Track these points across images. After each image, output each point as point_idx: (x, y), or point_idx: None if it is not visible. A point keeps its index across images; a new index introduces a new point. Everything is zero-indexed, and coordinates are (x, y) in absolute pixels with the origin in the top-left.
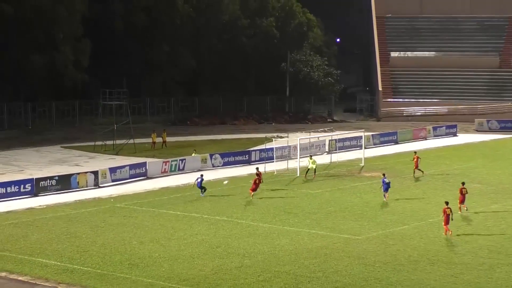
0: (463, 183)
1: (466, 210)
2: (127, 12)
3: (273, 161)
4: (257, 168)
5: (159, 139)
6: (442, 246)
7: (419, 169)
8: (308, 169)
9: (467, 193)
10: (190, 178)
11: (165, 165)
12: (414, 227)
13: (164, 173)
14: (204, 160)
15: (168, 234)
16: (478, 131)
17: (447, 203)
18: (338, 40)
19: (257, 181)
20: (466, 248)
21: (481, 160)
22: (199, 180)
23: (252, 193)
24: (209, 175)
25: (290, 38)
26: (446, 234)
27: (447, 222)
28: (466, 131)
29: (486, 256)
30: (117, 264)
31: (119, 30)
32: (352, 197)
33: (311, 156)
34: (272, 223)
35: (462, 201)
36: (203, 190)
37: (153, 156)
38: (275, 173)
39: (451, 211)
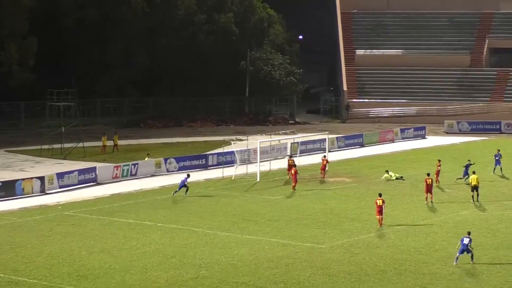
0: (439, 160)
1: (432, 202)
2: (77, 8)
3: (234, 165)
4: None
5: (110, 143)
6: (410, 255)
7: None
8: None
9: (434, 182)
10: (142, 184)
11: (117, 170)
12: (380, 235)
13: (115, 179)
14: (158, 165)
15: (120, 244)
16: (447, 133)
17: (428, 174)
18: (300, 37)
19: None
20: (435, 256)
21: (451, 164)
22: (183, 179)
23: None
24: (163, 181)
25: (249, 35)
26: (426, 200)
27: (428, 190)
28: (435, 133)
29: (456, 265)
30: (65, 276)
31: (69, 27)
32: (315, 203)
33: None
34: (230, 231)
35: (428, 190)
36: (186, 190)
37: (104, 161)
38: (233, 178)
39: (432, 182)
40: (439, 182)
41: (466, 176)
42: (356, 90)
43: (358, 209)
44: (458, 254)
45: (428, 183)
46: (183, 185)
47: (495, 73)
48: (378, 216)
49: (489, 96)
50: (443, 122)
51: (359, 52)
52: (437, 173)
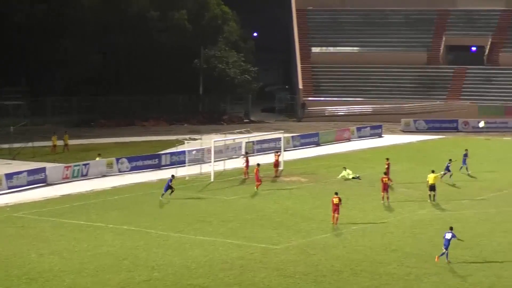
0: (387, 159)
1: (388, 200)
2: (28, 4)
3: (185, 165)
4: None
5: (60, 142)
6: (366, 255)
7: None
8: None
9: (389, 181)
10: (94, 185)
11: (67, 170)
12: (337, 235)
13: (65, 179)
14: (109, 165)
15: (70, 246)
16: (404, 131)
17: (385, 173)
18: (255, 34)
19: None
20: (391, 257)
21: (407, 163)
22: (168, 181)
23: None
24: (115, 181)
25: (203, 32)
26: (383, 200)
27: (385, 189)
28: (392, 131)
29: (413, 265)
30: (14, 279)
31: (19, 23)
32: (271, 203)
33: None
34: (184, 233)
35: (384, 189)
36: (170, 192)
37: (54, 161)
38: (187, 178)
39: (389, 180)
40: (391, 181)
41: (450, 173)
42: (312, 88)
43: (314, 209)
44: (444, 250)
45: (384, 182)
46: (168, 186)
47: (452, 70)
48: (333, 214)
49: (446, 94)
50: (400, 121)
51: (315, 49)
52: (387, 172)
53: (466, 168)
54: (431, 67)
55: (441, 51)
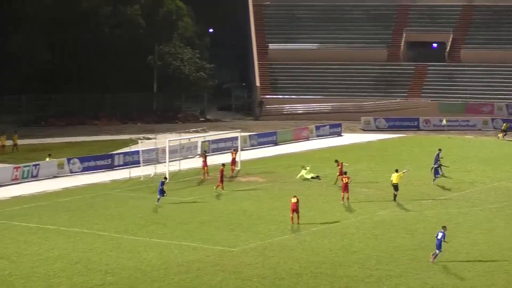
0: (336, 161)
1: (348, 200)
2: None
3: (139, 166)
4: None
5: (9, 142)
6: (326, 257)
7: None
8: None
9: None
10: (44, 186)
11: (16, 171)
12: (295, 237)
13: (15, 180)
14: (60, 166)
15: (20, 249)
16: (364, 130)
17: (345, 172)
18: (211, 30)
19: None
20: (352, 259)
21: (368, 162)
22: (160, 183)
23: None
24: (67, 182)
25: (157, 28)
26: (343, 200)
27: (345, 189)
28: (352, 130)
29: (373, 267)
30: None
31: None
32: (227, 204)
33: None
34: (138, 235)
35: (344, 189)
36: (162, 195)
37: (3, 162)
38: (142, 179)
39: (348, 179)
40: (336, 182)
41: (438, 176)
42: (270, 85)
43: (272, 210)
44: (437, 251)
45: (344, 182)
46: (162, 190)
47: (413, 67)
48: (292, 215)
49: (407, 92)
50: (359, 119)
51: (273, 46)
52: (340, 171)
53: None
54: (391, 64)
55: (402, 47)
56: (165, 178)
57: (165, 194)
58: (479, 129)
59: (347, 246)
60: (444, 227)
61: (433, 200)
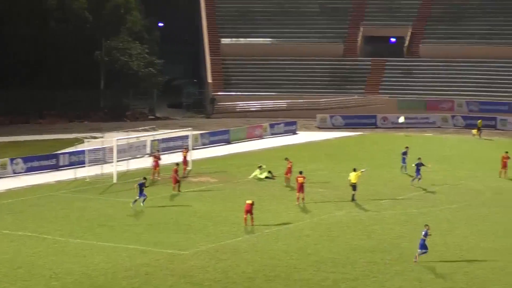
0: (286, 159)
1: (303, 201)
2: None
3: (85, 166)
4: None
5: None
6: (280, 260)
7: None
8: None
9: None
10: None
11: None
12: (248, 239)
13: None
14: (3, 166)
15: None
16: (320, 128)
17: (300, 172)
18: (161, 24)
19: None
20: (307, 261)
21: (324, 162)
22: (139, 184)
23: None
24: (10, 183)
25: (105, 23)
26: (298, 201)
27: (300, 189)
28: (307, 128)
29: (329, 270)
30: None
31: None
32: (178, 206)
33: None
34: (84, 238)
35: (299, 190)
36: (142, 199)
37: None
38: (88, 179)
39: (304, 179)
40: (289, 181)
41: (419, 176)
42: (222, 82)
43: (224, 212)
44: (420, 250)
45: (299, 182)
46: (142, 190)
47: (370, 63)
48: (246, 216)
49: (364, 88)
50: (315, 116)
51: (225, 41)
52: (288, 170)
53: (405, 167)
54: (348, 59)
55: (359, 42)
56: (145, 178)
57: (145, 196)
58: (439, 127)
59: (302, 248)
60: (426, 225)
61: (392, 200)
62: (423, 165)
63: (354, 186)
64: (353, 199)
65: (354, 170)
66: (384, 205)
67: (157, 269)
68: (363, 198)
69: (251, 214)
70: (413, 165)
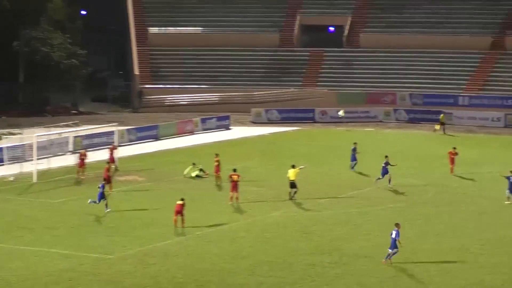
0: (216, 155)
1: (237, 201)
2: None
3: (3, 164)
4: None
5: None
6: (212, 264)
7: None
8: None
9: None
10: None
11: None
12: (179, 241)
13: None
14: None
15: None
16: (255, 123)
17: (234, 170)
18: (84, 12)
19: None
20: (241, 265)
21: (259, 159)
22: (100, 186)
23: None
24: None
25: (23, 11)
26: (232, 200)
27: (234, 189)
28: (242, 123)
29: (265, 274)
30: None
31: None
32: (103, 206)
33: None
34: (1, 242)
35: (233, 189)
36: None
37: None
38: (12, 179)
39: (238, 177)
40: (219, 179)
41: (388, 176)
42: (150, 74)
43: (153, 213)
44: (389, 251)
45: (233, 180)
46: (102, 194)
47: (308, 53)
48: (176, 217)
49: (302, 80)
50: (249, 111)
51: (153, 30)
52: (217, 168)
53: (355, 165)
54: (284, 49)
55: (295, 31)
56: (105, 179)
57: (105, 200)
58: (381, 121)
59: (236, 251)
60: (397, 224)
61: (331, 199)
62: (389, 164)
63: (293, 184)
64: (291, 198)
65: (293, 166)
66: (323, 205)
67: (81, 275)
68: (301, 197)
69: (182, 215)
70: (382, 164)
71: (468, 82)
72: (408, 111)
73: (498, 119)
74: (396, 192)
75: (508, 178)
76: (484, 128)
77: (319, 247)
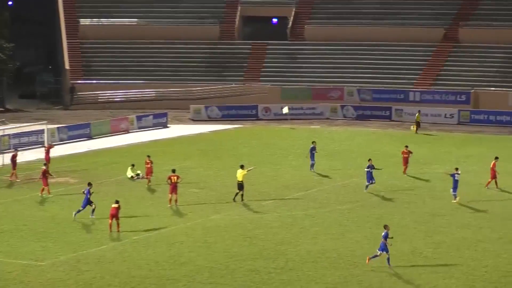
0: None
1: (176, 203)
2: None
3: None
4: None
5: None
6: (150, 271)
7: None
8: None
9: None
10: None
11: None
12: (114, 247)
13: None
14: None
15: None
16: (194, 120)
17: (173, 170)
18: (10, 3)
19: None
20: (181, 272)
21: (199, 158)
22: (86, 192)
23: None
24: None
25: None
26: (170, 203)
27: (173, 190)
28: (180, 120)
29: (206, 281)
30: None
31: None
32: (33, 210)
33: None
34: None
35: (172, 191)
36: (92, 209)
37: None
38: None
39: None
40: (150, 182)
41: (373, 181)
42: (82, 69)
43: (87, 216)
44: (378, 252)
45: (173, 181)
46: (88, 200)
47: (250, 47)
48: (111, 221)
49: (243, 75)
50: (188, 107)
51: (84, 21)
52: (148, 170)
53: (313, 166)
54: (224, 42)
55: (237, 23)
56: (89, 184)
57: (92, 205)
58: (327, 118)
59: (175, 257)
60: (385, 226)
61: (276, 201)
62: (374, 168)
63: (240, 185)
64: (234, 199)
65: (242, 167)
66: (267, 207)
67: (9, 283)
68: (244, 199)
69: (117, 218)
70: (366, 169)
71: (420, 76)
72: (356, 108)
73: (451, 116)
74: (345, 193)
75: (452, 175)
76: (436, 125)
77: (263, 251)
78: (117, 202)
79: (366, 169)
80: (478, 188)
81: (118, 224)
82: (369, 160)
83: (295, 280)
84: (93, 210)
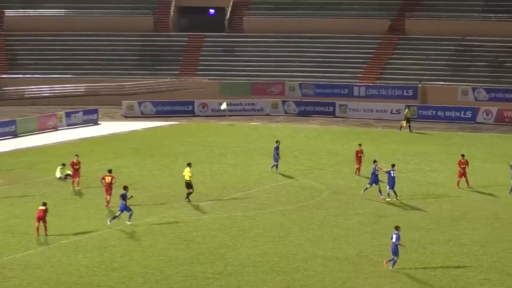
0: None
1: (108, 204)
2: None
3: None
4: None
5: None
6: (80, 277)
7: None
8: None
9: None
10: None
11: None
12: (42, 251)
13: None
14: None
15: None
16: (127, 117)
17: (110, 170)
18: None
19: None
20: (113, 278)
21: (132, 157)
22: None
23: None
24: None
25: None
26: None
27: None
28: (111, 117)
29: (140, 287)
30: None
31: None
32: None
33: None
34: None
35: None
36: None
37: None
38: None
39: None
40: (78, 184)
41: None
42: (6, 63)
43: (12, 219)
44: (393, 256)
45: (107, 181)
46: (125, 206)
47: (186, 39)
48: (38, 224)
49: (179, 69)
50: (120, 103)
51: (9, 12)
52: (75, 172)
53: (277, 166)
54: (158, 34)
55: (171, 14)
56: (125, 187)
57: (130, 211)
58: (268, 114)
59: (107, 262)
60: (397, 227)
61: (214, 202)
62: (380, 170)
63: (188, 184)
64: (187, 198)
65: (189, 165)
66: (205, 208)
67: None
68: (179, 200)
69: (44, 221)
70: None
71: (364, 70)
72: (298, 103)
73: (398, 111)
74: (286, 193)
75: (388, 173)
76: (382, 122)
77: (200, 255)
78: (44, 204)
79: (376, 172)
80: (425, 187)
81: (45, 227)
82: (374, 161)
83: (234, 285)
84: (130, 215)
